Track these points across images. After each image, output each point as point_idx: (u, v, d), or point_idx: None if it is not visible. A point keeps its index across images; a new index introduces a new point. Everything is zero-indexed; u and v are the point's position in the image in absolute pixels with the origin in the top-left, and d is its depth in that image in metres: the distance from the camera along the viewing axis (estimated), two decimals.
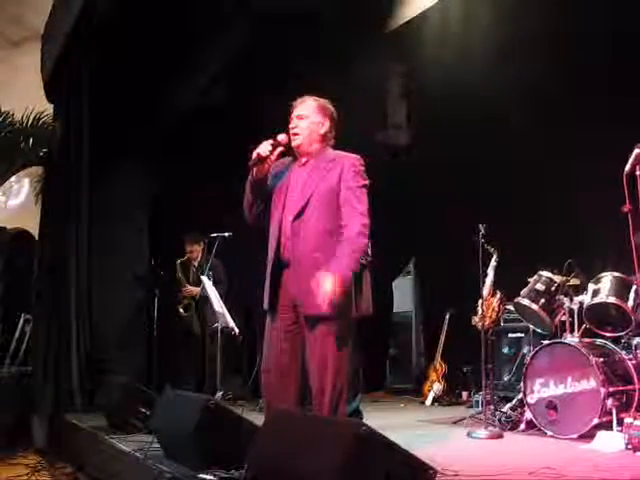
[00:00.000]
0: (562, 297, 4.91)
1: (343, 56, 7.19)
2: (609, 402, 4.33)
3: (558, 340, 4.80)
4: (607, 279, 4.80)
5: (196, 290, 6.90)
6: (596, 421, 4.33)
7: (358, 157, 3.41)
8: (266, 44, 6.99)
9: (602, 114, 5.52)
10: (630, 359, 4.66)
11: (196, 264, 7.12)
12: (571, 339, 4.74)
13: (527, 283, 5.06)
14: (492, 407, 5.14)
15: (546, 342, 4.80)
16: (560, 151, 5.81)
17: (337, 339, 3.21)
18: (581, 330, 4.84)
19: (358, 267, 3.30)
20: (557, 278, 4.98)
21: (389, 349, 8.04)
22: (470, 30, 6.49)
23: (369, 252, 4.91)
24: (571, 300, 4.87)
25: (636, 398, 4.46)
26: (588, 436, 4.29)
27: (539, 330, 5.19)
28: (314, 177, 3.36)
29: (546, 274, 5.02)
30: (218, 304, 5.92)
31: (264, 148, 3.33)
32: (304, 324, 3.26)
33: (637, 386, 4.50)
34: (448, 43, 6.66)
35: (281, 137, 3.38)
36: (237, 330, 5.74)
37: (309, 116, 3.44)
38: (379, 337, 7.83)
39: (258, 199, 3.44)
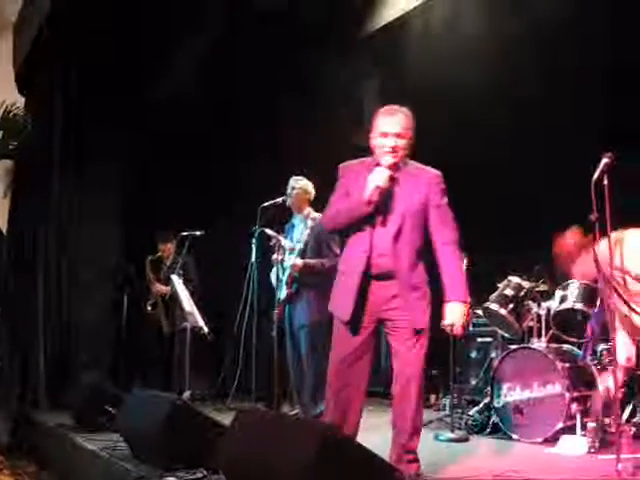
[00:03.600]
0: (530, 303, 4.97)
1: (320, 57, 7.24)
2: (573, 407, 4.40)
3: (525, 345, 4.85)
4: (574, 286, 4.87)
5: (165, 289, 6.83)
6: (560, 425, 4.39)
7: (439, 173, 3.40)
8: (242, 42, 7.01)
9: (571, 119, 5.61)
10: (595, 364, 4.74)
11: (168, 262, 7.06)
12: (538, 344, 4.80)
13: (496, 288, 5.11)
14: (459, 410, 5.18)
15: (513, 347, 4.86)
16: (528, 155, 5.88)
17: (423, 349, 3.31)
18: (548, 335, 4.91)
19: None
20: (525, 284, 5.03)
21: None
22: (447, 34, 6.55)
23: (337, 252, 4.93)
24: (539, 306, 4.93)
25: (600, 403, 4.54)
26: (553, 440, 4.35)
27: (507, 335, 5.23)
28: (405, 194, 3.30)
29: (515, 280, 5.07)
30: (187, 303, 5.88)
31: (383, 179, 3.23)
32: (392, 334, 3.31)
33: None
34: (425, 47, 6.71)
35: (389, 161, 3.27)
36: (206, 329, 5.71)
37: (407, 135, 3.32)
38: None
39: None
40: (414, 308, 3.26)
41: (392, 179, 3.26)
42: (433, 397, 6.69)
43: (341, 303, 3.37)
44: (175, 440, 3.33)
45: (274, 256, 4.98)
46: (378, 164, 3.31)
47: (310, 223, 4.99)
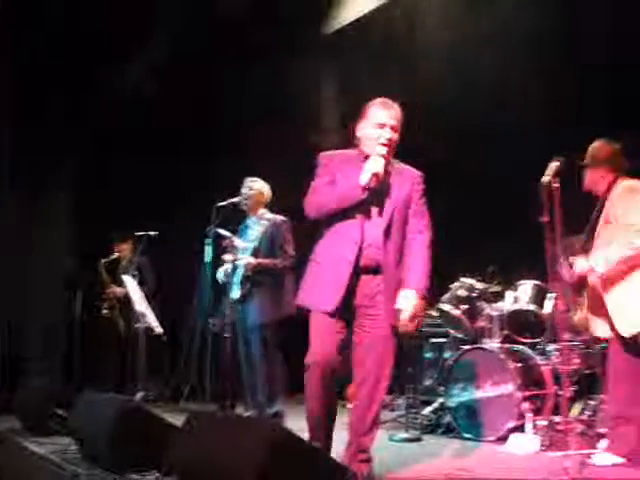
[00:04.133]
0: (483, 303, 5.04)
1: (279, 57, 7.25)
2: (524, 406, 4.47)
3: (478, 345, 4.92)
4: (526, 287, 4.96)
5: (120, 290, 6.75)
6: (512, 424, 4.46)
7: (421, 173, 3.42)
8: (201, 40, 6.98)
9: (520, 126, 5.72)
10: (545, 364, 4.83)
11: (124, 263, 6.98)
12: (491, 345, 4.87)
13: (449, 289, 5.17)
14: (413, 410, 5.22)
15: (466, 347, 4.93)
16: (474, 160, 5.98)
17: (394, 350, 3.29)
18: (501, 336, 4.98)
19: None
20: (478, 285, 5.11)
21: None
22: (406, 34, 6.62)
23: (292, 252, 4.95)
24: (491, 306, 5.01)
25: (549, 402, 4.64)
26: (504, 438, 4.42)
27: (460, 335, 5.31)
28: (394, 190, 3.30)
29: (468, 281, 5.14)
30: (140, 304, 5.82)
31: (379, 166, 3.19)
32: (366, 332, 3.25)
33: (551, 390, 4.68)
34: (384, 47, 6.77)
35: (384, 152, 3.22)
36: (160, 330, 5.66)
37: (399, 129, 3.31)
38: (305, 338, 7.84)
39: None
40: (393, 304, 3.22)
41: (385, 171, 3.23)
42: (388, 398, 6.74)
43: (323, 294, 3.23)
44: (126, 442, 3.28)
45: (226, 256, 4.96)
46: (367, 156, 3.27)
47: (264, 223, 4.99)
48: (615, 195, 3.71)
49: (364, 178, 3.17)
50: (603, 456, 3.69)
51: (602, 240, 3.69)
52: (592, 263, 3.64)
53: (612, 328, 3.65)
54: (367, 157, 3.26)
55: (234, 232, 5.11)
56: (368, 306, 3.24)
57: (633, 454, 3.59)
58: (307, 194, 3.35)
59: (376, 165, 3.19)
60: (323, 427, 3.26)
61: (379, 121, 3.27)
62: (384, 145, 3.23)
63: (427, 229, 3.37)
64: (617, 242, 3.54)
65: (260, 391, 4.84)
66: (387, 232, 3.24)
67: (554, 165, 3.46)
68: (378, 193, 3.25)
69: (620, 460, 3.61)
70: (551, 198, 3.38)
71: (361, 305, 3.24)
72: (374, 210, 3.26)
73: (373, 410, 3.24)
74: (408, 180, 3.35)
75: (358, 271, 3.21)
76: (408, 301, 3.20)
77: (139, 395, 5.76)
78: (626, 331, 3.57)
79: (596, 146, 3.86)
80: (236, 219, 5.29)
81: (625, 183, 3.72)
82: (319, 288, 3.25)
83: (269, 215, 5.06)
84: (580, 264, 3.74)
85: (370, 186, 3.18)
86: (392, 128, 3.27)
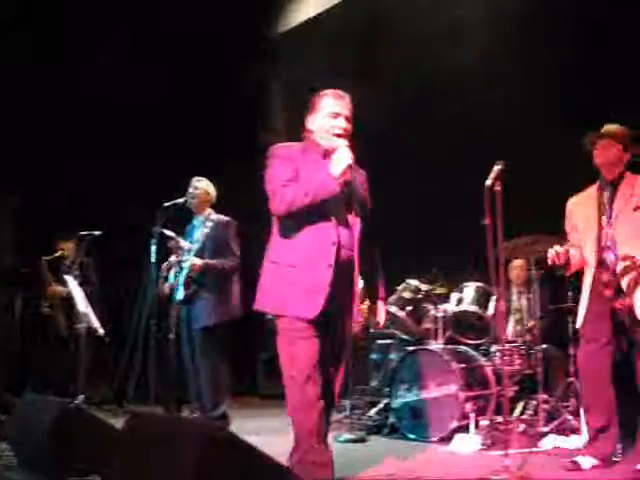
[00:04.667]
0: (428, 305, 5.10)
1: (228, 57, 7.24)
2: (467, 406, 4.54)
3: (423, 347, 4.98)
4: (470, 288, 5.04)
5: (62, 290, 6.60)
6: (455, 424, 4.53)
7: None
8: (147, 41, 6.92)
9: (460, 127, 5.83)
10: (488, 365, 4.91)
11: (67, 263, 6.84)
12: (435, 346, 4.93)
13: (395, 291, 5.21)
14: (359, 411, 5.24)
15: (411, 348, 4.98)
16: (421, 160, 6.06)
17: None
18: (445, 337, 5.05)
19: None
20: (423, 286, 5.17)
21: (262, 353, 8.03)
22: (353, 37, 6.68)
23: (238, 253, 4.91)
24: (436, 308, 5.07)
25: (492, 402, 4.72)
26: (448, 439, 4.48)
27: (406, 337, 5.36)
28: (357, 185, 3.21)
29: (413, 282, 5.20)
30: (82, 304, 5.71)
31: (349, 157, 3.06)
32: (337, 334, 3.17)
33: (493, 390, 4.76)
34: (331, 49, 6.82)
35: (346, 143, 3.11)
36: (102, 331, 5.56)
37: (352, 120, 3.19)
38: (251, 341, 7.81)
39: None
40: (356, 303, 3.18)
41: (349, 165, 3.08)
42: None
43: (303, 299, 3.02)
44: (66, 447, 3.21)
45: (172, 257, 4.91)
46: (326, 149, 3.14)
47: (210, 224, 4.94)
48: None
49: (338, 169, 3.03)
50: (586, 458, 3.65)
51: (632, 225, 3.53)
52: None
53: None
54: (326, 150, 3.14)
55: (180, 233, 5.06)
56: (342, 307, 3.13)
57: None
58: (271, 188, 3.10)
59: (347, 156, 3.05)
60: (322, 432, 3.12)
61: (333, 111, 3.14)
62: (340, 135, 3.12)
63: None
64: None
65: (205, 393, 4.79)
66: (356, 230, 3.15)
67: (497, 169, 3.52)
68: (347, 191, 3.13)
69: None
70: (493, 201, 3.43)
71: (337, 306, 3.09)
72: (344, 209, 3.14)
73: (330, 415, 3.27)
74: (361, 179, 3.28)
75: (335, 273, 3.06)
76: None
77: (80, 398, 5.63)
78: None
79: (613, 126, 3.72)
80: (183, 220, 5.24)
81: None
82: (297, 294, 3.02)
83: (215, 216, 5.01)
84: None
85: (346, 178, 3.05)
86: (346, 118, 3.15)
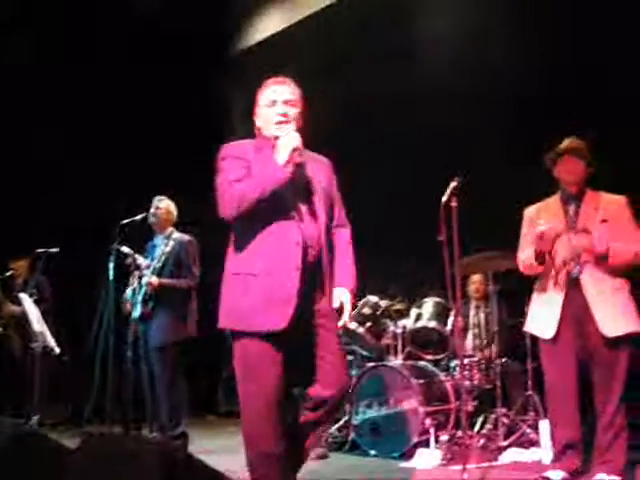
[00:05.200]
0: (387, 321, 5.12)
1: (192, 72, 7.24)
2: (427, 421, 4.55)
3: (382, 363, 4.98)
4: (428, 304, 5.08)
5: (16, 309, 6.47)
6: (415, 439, 4.54)
7: (329, 161, 3.09)
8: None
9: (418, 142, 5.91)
10: (448, 380, 4.94)
11: (20, 281, 6.72)
12: (394, 362, 4.95)
13: (354, 307, 5.22)
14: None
15: (370, 365, 4.98)
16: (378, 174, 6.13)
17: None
18: (405, 353, 5.07)
19: None
20: (383, 302, 5.19)
21: (222, 371, 7.96)
22: (315, 53, 6.75)
23: (197, 273, 4.91)
24: (395, 324, 5.09)
25: (452, 417, 4.74)
26: (409, 454, 4.49)
27: (365, 353, 5.36)
28: (318, 178, 2.93)
29: (372, 298, 5.21)
30: (37, 322, 5.61)
31: (297, 141, 2.80)
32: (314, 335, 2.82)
33: (453, 405, 4.79)
34: (292, 66, 6.88)
35: (293, 128, 2.86)
36: (57, 350, 5.47)
37: (297, 104, 2.94)
38: (212, 359, 7.75)
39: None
40: (332, 307, 2.88)
41: (300, 153, 2.82)
42: None
43: (269, 310, 2.72)
44: (16, 470, 3.12)
45: (131, 276, 4.88)
46: (276, 139, 2.88)
47: (171, 243, 4.94)
48: (614, 204, 3.66)
49: (283, 155, 2.77)
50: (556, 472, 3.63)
51: (601, 234, 3.54)
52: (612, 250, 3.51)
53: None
54: (276, 141, 2.88)
55: (140, 250, 5.02)
56: (315, 314, 2.82)
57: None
58: (219, 191, 2.84)
59: (292, 139, 2.79)
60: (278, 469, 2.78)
61: (270, 98, 2.92)
62: (281, 122, 2.88)
63: (347, 221, 3.08)
64: (629, 246, 3.52)
65: (163, 412, 4.74)
66: (323, 226, 2.87)
67: (453, 185, 3.56)
68: (306, 183, 2.89)
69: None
70: (449, 217, 3.47)
71: (309, 314, 2.80)
72: (304, 204, 2.87)
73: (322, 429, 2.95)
74: (324, 168, 3.02)
75: (304, 277, 2.77)
76: (345, 300, 2.88)
77: (35, 419, 5.52)
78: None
79: (574, 141, 3.76)
80: (142, 237, 5.20)
81: (617, 197, 3.71)
82: (260, 305, 2.73)
83: (177, 235, 5.01)
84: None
85: (295, 162, 2.78)
86: (286, 103, 2.90)
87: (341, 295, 2.89)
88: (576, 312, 3.58)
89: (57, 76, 6.99)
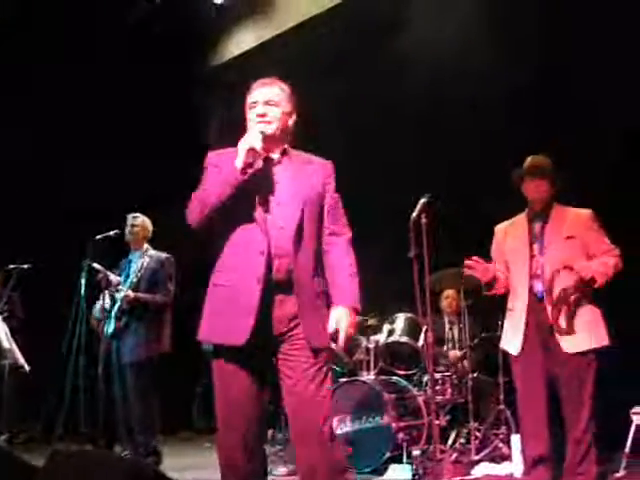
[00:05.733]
0: (360, 336, 5.14)
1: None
2: (400, 436, 4.57)
3: (355, 378, 5.00)
4: (400, 319, 5.11)
5: None
6: (388, 455, 4.55)
7: (330, 162, 2.91)
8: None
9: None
10: (420, 395, 4.96)
11: None
12: (367, 377, 4.96)
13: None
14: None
15: (343, 380, 4.99)
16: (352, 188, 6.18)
17: (327, 379, 2.66)
18: (377, 368, 5.09)
19: None
20: None
21: (196, 387, 7.92)
22: (288, 71, 6.79)
23: (172, 289, 4.92)
24: (368, 339, 5.11)
25: (425, 431, 4.76)
26: (382, 469, 4.50)
27: (338, 368, 5.37)
28: (300, 182, 2.74)
29: None
30: (5, 339, 5.55)
31: (256, 141, 2.63)
32: (287, 363, 2.62)
33: (425, 420, 4.80)
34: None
35: (262, 127, 2.70)
36: (27, 367, 5.41)
37: (280, 103, 2.78)
38: (186, 375, 7.70)
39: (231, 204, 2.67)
40: (315, 324, 2.63)
41: (255, 155, 2.65)
42: (270, 432, 6.70)
43: (231, 322, 2.60)
44: None
45: (102, 292, 4.86)
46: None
47: (147, 259, 4.94)
48: (580, 219, 3.71)
49: (240, 156, 2.63)
50: None
51: (564, 253, 3.63)
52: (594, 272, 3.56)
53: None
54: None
55: (112, 266, 5.01)
56: (287, 333, 2.63)
57: None
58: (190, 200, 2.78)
59: (251, 139, 2.65)
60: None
61: (250, 101, 2.81)
62: (260, 123, 2.73)
63: (346, 228, 2.85)
64: (605, 263, 3.57)
65: (136, 429, 4.71)
66: (297, 236, 2.66)
67: (423, 201, 3.60)
68: (281, 189, 2.72)
69: None
70: (420, 233, 3.50)
71: (278, 333, 2.63)
72: (278, 210, 2.69)
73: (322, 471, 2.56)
74: (318, 171, 2.83)
75: (269, 289, 2.61)
76: (341, 321, 2.64)
77: (3, 437, 5.45)
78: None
79: (539, 159, 3.83)
80: (115, 253, 5.19)
81: (584, 211, 3.76)
82: (224, 316, 2.62)
83: (152, 252, 5.02)
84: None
85: (247, 162, 2.62)
86: (267, 103, 2.76)
87: (337, 315, 2.66)
88: (540, 329, 3.63)
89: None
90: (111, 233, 4.97)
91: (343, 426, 4.76)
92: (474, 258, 3.72)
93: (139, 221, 5.08)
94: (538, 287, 3.67)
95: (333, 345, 2.69)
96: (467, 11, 5.80)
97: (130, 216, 5.08)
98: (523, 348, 3.67)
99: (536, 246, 3.70)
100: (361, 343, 5.11)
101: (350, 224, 2.83)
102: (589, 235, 3.65)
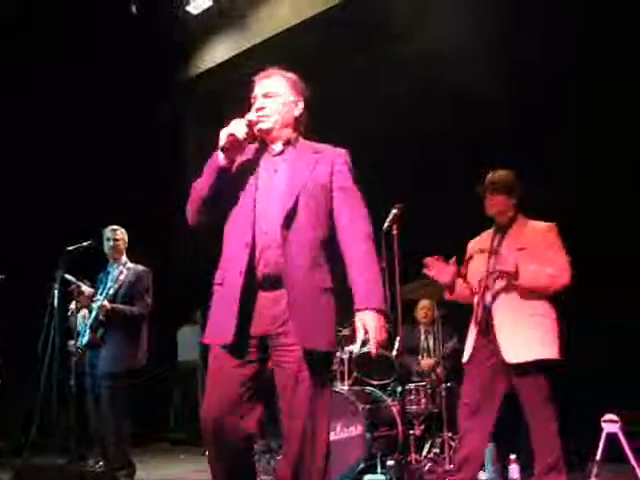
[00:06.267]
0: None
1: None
2: (374, 446, 4.58)
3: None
4: None
5: None
6: (362, 465, 4.55)
7: (344, 151, 2.73)
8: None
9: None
10: (395, 405, 4.98)
11: None
12: (341, 387, 4.97)
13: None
14: (268, 456, 5.21)
15: None
16: None
17: (323, 389, 2.50)
18: (351, 378, 5.10)
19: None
20: None
21: (173, 399, 7.88)
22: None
23: (150, 301, 4.91)
24: (342, 349, 5.13)
25: (399, 441, 4.78)
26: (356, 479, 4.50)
27: None
28: (300, 170, 2.59)
29: None
30: None
31: (239, 129, 2.53)
32: (278, 367, 2.48)
33: (400, 430, 4.82)
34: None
35: (253, 117, 2.62)
36: None
37: (280, 94, 2.68)
38: (162, 387, 7.67)
39: (216, 196, 2.58)
40: (310, 322, 2.44)
41: (233, 141, 2.54)
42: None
43: (217, 321, 2.52)
44: None
45: (72, 304, 4.84)
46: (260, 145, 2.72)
47: (125, 272, 4.92)
48: (537, 231, 3.74)
49: (220, 141, 2.56)
50: None
51: (515, 262, 3.63)
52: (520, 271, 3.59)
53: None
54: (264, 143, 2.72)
55: (86, 277, 4.99)
56: (279, 334, 2.47)
57: None
58: None
59: (234, 126, 2.56)
60: None
61: (253, 94, 2.74)
62: (258, 117, 2.64)
63: (364, 222, 2.59)
64: (542, 268, 3.59)
65: (108, 441, 4.67)
66: (287, 227, 2.49)
67: (394, 212, 3.63)
68: (274, 179, 2.61)
69: None
70: (391, 244, 3.53)
71: (268, 334, 2.48)
72: (271, 201, 2.56)
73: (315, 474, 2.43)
74: (325, 159, 2.66)
75: (254, 285, 2.49)
76: (369, 327, 2.45)
77: None
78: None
79: (499, 174, 3.87)
80: (90, 263, 5.16)
81: (543, 224, 3.79)
82: (215, 315, 2.55)
83: (131, 264, 5.02)
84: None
85: (226, 148, 2.54)
86: (265, 96, 2.68)
87: (362, 320, 2.47)
88: (489, 339, 3.68)
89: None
90: (84, 243, 4.93)
91: None
92: (434, 257, 3.78)
93: (119, 234, 5.08)
94: (488, 298, 3.73)
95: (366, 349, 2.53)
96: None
97: (108, 229, 5.07)
98: (472, 358, 3.75)
99: (492, 260, 3.76)
100: (335, 354, 5.11)
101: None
102: (542, 247, 3.67)
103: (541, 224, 3.79)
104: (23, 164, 6.94)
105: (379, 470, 4.52)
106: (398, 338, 4.88)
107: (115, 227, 5.11)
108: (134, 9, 7.60)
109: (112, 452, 4.68)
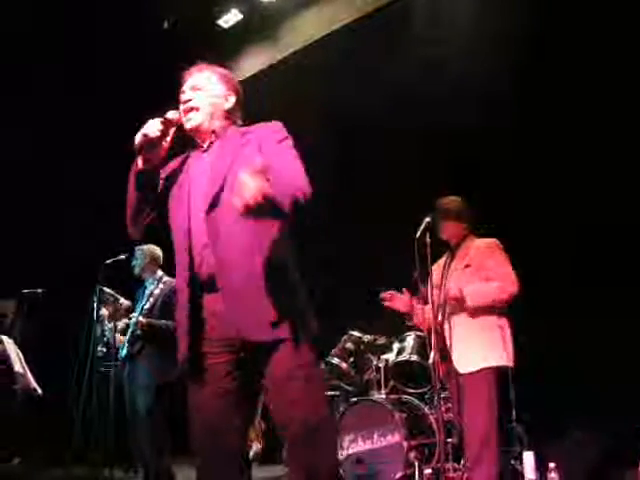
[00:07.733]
0: (370, 355, 5.15)
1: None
2: (412, 455, 4.56)
3: (366, 397, 5.00)
4: (410, 338, 5.11)
5: None
6: (400, 474, 4.53)
7: (278, 123, 2.57)
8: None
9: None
10: (432, 413, 4.94)
11: (8, 322, 6.70)
12: (378, 396, 4.96)
13: (337, 342, 5.25)
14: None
15: (354, 399, 4.99)
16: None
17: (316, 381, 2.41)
18: (388, 387, 5.08)
19: None
20: (365, 337, 5.22)
21: None
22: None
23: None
24: (378, 358, 5.12)
25: (437, 450, 4.74)
26: None
27: (349, 388, 5.37)
28: (225, 154, 2.47)
29: (355, 333, 5.25)
30: (18, 364, 5.59)
31: (152, 127, 2.44)
32: (258, 358, 2.34)
33: (438, 439, 4.79)
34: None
35: (173, 114, 2.53)
36: (40, 391, 5.45)
37: (208, 88, 2.60)
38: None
39: (147, 201, 2.52)
40: (250, 310, 2.30)
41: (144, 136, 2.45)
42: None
43: (179, 335, 2.47)
44: None
45: (102, 309, 4.90)
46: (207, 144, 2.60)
47: (161, 286, 4.96)
48: (480, 248, 3.92)
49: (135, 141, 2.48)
50: None
51: (461, 280, 3.84)
52: (465, 293, 3.76)
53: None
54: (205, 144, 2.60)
55: (124, 290, 5.06)
56: (234, 334, 2.35)
57: None
58: None
59: (147, 125, 2.47)
60: None
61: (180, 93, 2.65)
62: (185, 112, 2.55)
63: (290, 171, 2.38)
64: (487, 284, 3.77)
65: (147, 451, 4.72)
66: (213, 222, 2.36)
67: (426, 221, 3.67)
68: (200, 174, 2.50)
69: None
70: (423, 252, 3.55)
71: (223, 337, 2.39)
72: (198, 199, 2.44)
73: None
74: (253, 138, 2.51)
75: (202, 288, 2.39)
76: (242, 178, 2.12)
77: (16, 460, 5.47)
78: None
79: (449, 201, 4.07)
80: (126, 277, 5.22)
81: (487, 240, 3.97)
82: (178, 329, 2.52)
83: (167, 278, 5.04)
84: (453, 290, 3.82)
85: (139, 148, 2.44)
86: (192, 88, 2.58)
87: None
88: (442, 353, 3.91)
89: None
90: (122, 257, 5.01)
91: (355, 446, 4.77)
92: (388, 292, 4.01)
93: (145, 252, 5.11)
94: (443, 324, 3.93)
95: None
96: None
97: (137, 249, 5.11)
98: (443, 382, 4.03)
99: (444, 280, 3.92)
100: (371, 362, 5.11)
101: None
102: (486, 262, 3.83)
103: (484, 240, 3.96)
104: (23, 164, 7.00)
105: (417, 479, 4.49)
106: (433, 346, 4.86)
107: (141, 247, 5.11)
108: (166, 24, 7.67)
109: (153, 466, 4.71)
